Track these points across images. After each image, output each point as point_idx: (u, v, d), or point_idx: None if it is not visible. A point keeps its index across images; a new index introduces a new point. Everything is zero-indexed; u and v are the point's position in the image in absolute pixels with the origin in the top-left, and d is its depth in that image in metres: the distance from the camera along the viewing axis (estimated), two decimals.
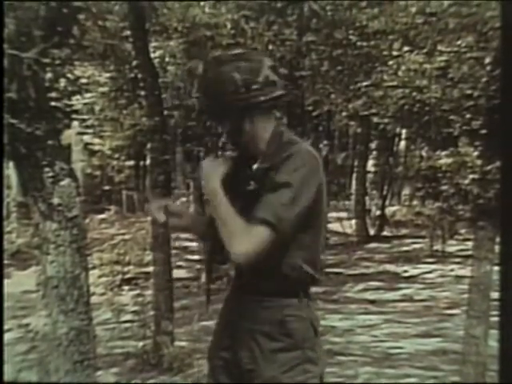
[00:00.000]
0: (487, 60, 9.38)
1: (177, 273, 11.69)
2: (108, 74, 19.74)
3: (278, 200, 3.31)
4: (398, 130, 27.80)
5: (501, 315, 2.32)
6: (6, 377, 9.47)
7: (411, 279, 19.45)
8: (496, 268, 10.00)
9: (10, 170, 22.49)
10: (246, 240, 3.30)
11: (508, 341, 2.30)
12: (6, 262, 20.81)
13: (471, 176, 9.57)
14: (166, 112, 13.83)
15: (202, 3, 14.54)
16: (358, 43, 15.84)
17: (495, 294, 10.27)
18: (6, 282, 16.79)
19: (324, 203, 3.60)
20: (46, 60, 4.48)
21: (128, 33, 12.08)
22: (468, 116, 9.86)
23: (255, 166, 3.53)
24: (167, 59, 16.43)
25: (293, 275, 3.48)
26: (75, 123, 20.97)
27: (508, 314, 2.31)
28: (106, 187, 31.35)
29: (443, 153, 10.18)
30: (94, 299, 5.53)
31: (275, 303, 3.45)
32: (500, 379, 2.30)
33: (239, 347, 3.48)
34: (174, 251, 12.07)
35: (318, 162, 3.54)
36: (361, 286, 18.67)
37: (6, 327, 13.28)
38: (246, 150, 3.56)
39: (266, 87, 3.47)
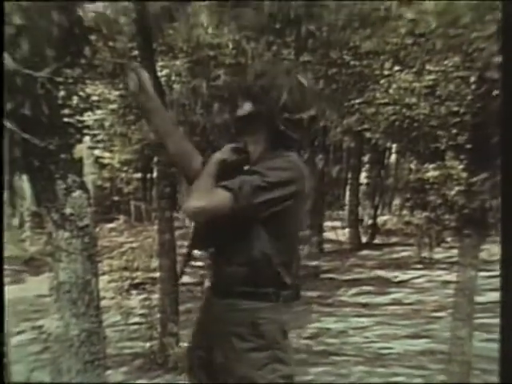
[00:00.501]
0: (472, 79, 9.38)
1: (182, 278, 11.67)
2: (117, 92, 19.75)
3: (248, 180, 3.31)
4: (388, 144, 27.77)
5: (501, 316, 2.30)
6: (19, 376, 9.47)
7: (401, 284, 19.46)
8: (480, 273, 10.02)
9: (24, 182, 22.54)
10: (205, 196, 3.31)
11: (508, 342, 2.28)
12: (20, 268, 20.90)
13: (457, 188, 9.58)
14: None
15: (205, 24, 14.55)
16: (352, 63, 15.86)
17: (479, 298, 10.30)
18: (20, 286, 16.83)
19: (301, 214, 3.60)
20: (59, 79, 4.48)
21: (136, 53, 12.08)
22: (454, 131, 9.87)
23: (246, 168, 3.49)
24: (173, 77, 16.43)
25: (266, 280, 3.46)
26: (87, 138, 20.98)
27: (508, 315, 2.28)
28: (116, 198, 31.37)
29: (431, 166, 10.20)
30: (103, 303, 5.52)
31: (247, 306, 3.44)
32: (500, 379, 2.27)
33: (214, 347, 3.48)
34: (178, 258, 12.04)
35: (302, 173, 3.52)
36: (354, 291, 18.68)
37: (19, 329, 13.29)
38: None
39: None
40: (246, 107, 3.50)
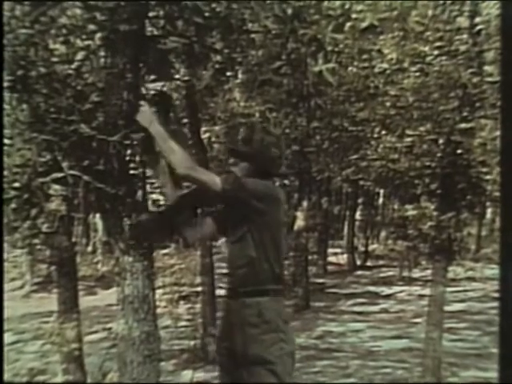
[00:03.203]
0: (441, 141, 9.39)
1: (218, 292, 11.64)
2: None
3: (233, 174, 3.58)
4: (377, 190, 27.73)
5: (501, 316, 2.25)
6: (93, 366, 9.45)
7: (387, 297, 19.31)
8: (448, 289, 9.95)
9: (97, 219, 22.69)
10: (202, 172, 3.53)
11: (508, 342, 2.23)
12: (93, 283, 20.95)
13: (429, 223, 9.52)
14: None
15: (238, 99, 14.63)
16: (349, 128, 15.89)
17: (447, 308, 10.22)
18: (93, 297, 16.78)
19: (280, 221, 3.63)
20: (127, 141, 4.52)
21: (186, 120, 12.18)
22: (427, 181, 9.83)
23: None
24: (213, 139, 16.50)
25: (266, 281, 3.51)
26: (147, 186, 21.06)
27: (508, 316, 2.22)
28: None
29: (409, 206, 10.16)
30: (158, 311, 5.51)
31: (253, 301, 3.49)
32: (500, 379, 2.23)
33: (234, 337, 3.54)
34: (216, 276, 12.03)
35: (277, 192, 3.68)
36: (351, 302, 18.54)
37: (93, 330, 13.26)
38: None
39: None
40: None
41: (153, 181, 5.04)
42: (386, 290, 20.57)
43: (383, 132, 13.58)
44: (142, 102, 3.85)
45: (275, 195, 3.61)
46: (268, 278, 3.52)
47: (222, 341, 3.69)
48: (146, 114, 3.70)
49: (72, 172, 4.48)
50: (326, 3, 5.16)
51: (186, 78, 8.44)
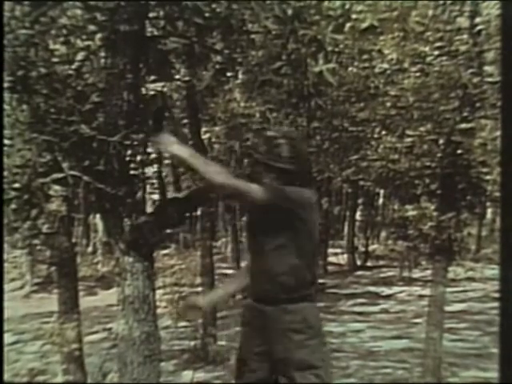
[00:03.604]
0: (441, 141, 9.39)
1: None
2: None
3: (273, 184, 3.45)
4: (377, 190, 27.71)
5: (501, 317, 2.24)
6: (93, 366, 9.45)
7: (387, 297, 19.29)
8: (448, 289, 9.94)
9: (97, 220, 22.72)
10: (244, 183, 3.37)
11: (508, 342, 2.22)
12: (93, 284, 20.95)
13: (429, 224, 9.52)
14: None
15: (237, 99, 14.62)
16: (350, 128, 15.85)
17: (447, 308, 10.22)
18: (93, 298, 16.76)
19: (317, 227, 3.59)
20: (127, 142, 4.51)
21: (186, 121, 12.15)
22: (427, 181, 9.83)
23: None
24: (213, 139, 16.49)
25: (307, 286, 3.49)
26: (147, 186, 21.09)
27: (508, 316, 2.22)
28: (168, 231, 31.33)
29: (410, 207, 10.15)
30: (158, 311, 5.51)
31: (297, 307, 3.43)
32: (500, 379, 2.21)
33: (273, 343, 3.45)
34: (216, 276, 12.03)
35: (314, 198, 3.56)
36: (351, 302, 18.54)
37: (93, 330, 13.24)
38: None
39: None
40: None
41: (153, 181, 5.04)
42: (386, 291, 20.56)
43: (383, 132, 13.58)
44: (158, 136, 3.70)
45: (313, 202, 3.57)
46: (308, 283, 3.49)
47: (253, 347, 3.62)
48: (166, 139, 3.60)
49: (72, 172, 4.48)
50: (326, 4, 5.15)
51: (187, 79, 8.44)
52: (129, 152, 4.73)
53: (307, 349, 3.40)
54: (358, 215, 29.18)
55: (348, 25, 5.12)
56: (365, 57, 11.59)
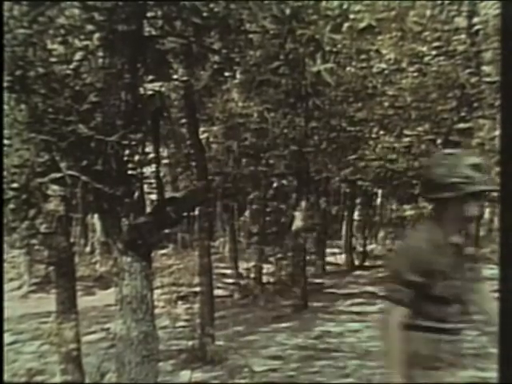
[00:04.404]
0: (439, 141, 9.40)
1: (216, 292, 11.63)
2: (169, 150, 19.89)
3: None
4: (375, 190, 27.72)
5: (500, 316, 2.22)
6: (91, 366, 9.44)
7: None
8: None
9: (95, 219, 22.73)
10: None
11: (507, 342, 2.20)
12: (91, 284, 20.93)
13: None
14: (210, 177, 13.91)
15: (235, 98, 14.63)
16: (348, 128, 15.87)
17: None
18: (91, 298, 16.74)
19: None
20: (125, 142, 4.51)
21: (184, 120, 12.13)
22: None
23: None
24: (211, 139, 16.50)
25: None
26: (145, 186, 21.12)
27: (507, 316, 2.20)
28: (166, 231, 31.32)
29: (407, 207, 10.17)
30: (156, 311, 5.50)
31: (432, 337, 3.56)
32: (500, 379, 2.21)
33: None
34: (214, 276, 12.02)
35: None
36: (349, 302, 18.51)
37: (91, 330, 13.25)
38: None
39: (460, 184, 3.26)
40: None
41: (151, 181, 5.06)
42: None
43: (381, 132, 13.61)
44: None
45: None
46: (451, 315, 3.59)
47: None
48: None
49: (70, 172, 4.48)
50: (324, 3, 5.15)
51: (184, 78, 8.44)
52: (127, 152, 4.72)
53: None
54: (355, 215, 29.17)
55: (346, 25, 5.13)
56: (363, 57, 11.60)
